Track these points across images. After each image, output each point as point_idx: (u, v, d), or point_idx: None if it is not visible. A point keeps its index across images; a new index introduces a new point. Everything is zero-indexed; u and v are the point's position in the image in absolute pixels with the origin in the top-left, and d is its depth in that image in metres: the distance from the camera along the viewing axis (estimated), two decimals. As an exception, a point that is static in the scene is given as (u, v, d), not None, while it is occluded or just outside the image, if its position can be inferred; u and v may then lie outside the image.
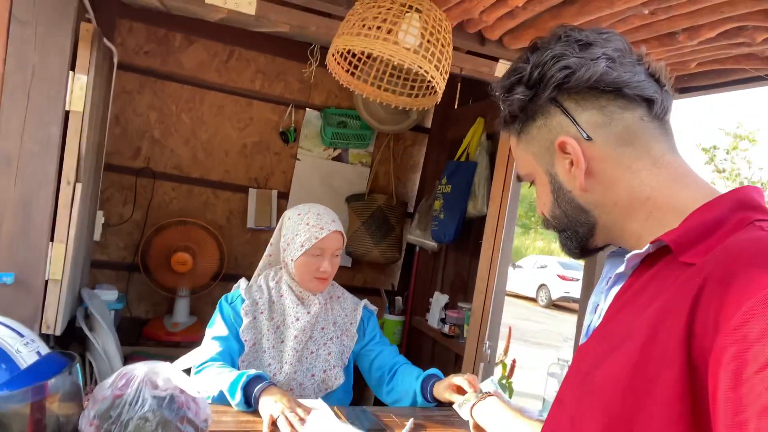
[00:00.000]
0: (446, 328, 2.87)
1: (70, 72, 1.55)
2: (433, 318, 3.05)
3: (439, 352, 3.04)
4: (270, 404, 1.35)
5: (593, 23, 1.47)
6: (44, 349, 1.17)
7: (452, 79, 3.32)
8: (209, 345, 1.59)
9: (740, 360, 0.48)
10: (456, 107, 3.34)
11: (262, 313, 1.64)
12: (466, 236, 2.90)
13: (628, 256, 0.66)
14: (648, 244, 0.64)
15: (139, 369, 1.22)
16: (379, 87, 1.59)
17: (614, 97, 0.68)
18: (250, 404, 1.41)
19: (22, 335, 1.15)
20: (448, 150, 3.21)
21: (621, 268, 0.68)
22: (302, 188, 3.26)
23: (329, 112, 3.20)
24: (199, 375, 1.53)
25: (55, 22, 1.37)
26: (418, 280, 3.36)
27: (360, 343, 1.75)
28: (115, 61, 2.44)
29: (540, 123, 0.73)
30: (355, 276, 3.45)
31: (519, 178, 0.82)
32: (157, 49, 2.93)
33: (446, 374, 1.59)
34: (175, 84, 2.98)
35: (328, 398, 1.61)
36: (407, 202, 3.49)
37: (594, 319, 0.74)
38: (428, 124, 3.47)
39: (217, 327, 1.63)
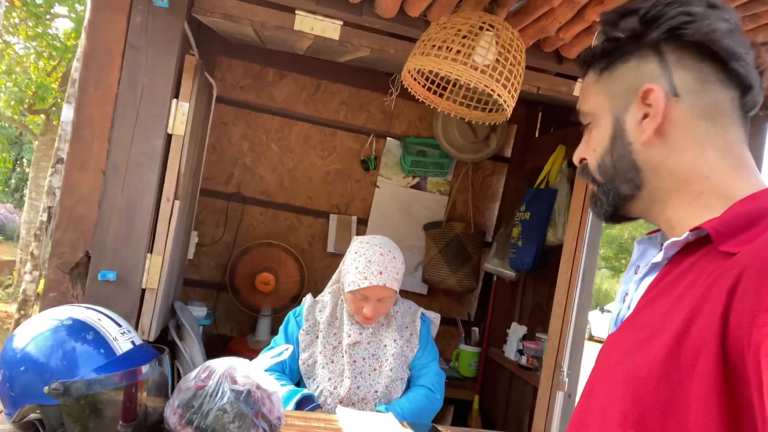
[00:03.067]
0: (524, 360, 2.79)
1: (175, 100, 1.73)
2: (510, 349, 2.97)
3: (516, 385, 2.95)
4: None
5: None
6: (138, 340, 1.28)
7: (534, 108, 3.33)
8: (279, 355, 1.67)
9: None
10: (537, 135, 3.32)
11: (321, 330, 1.71)
12: (546, 265, 2.83)
13: (666, 244, 0.64)
14: (687, 232, 0.62)
15: (221, 363, 1.29)
16: (454, 102, 1.63)
17: (718, 68, 0.65)
18: None
19: (119, 325, 1.26)
20: (528, 179, 3.18)
21: (658, 258, 0.65)
22: (381, 215, 3.34)
23: (409, 141, 3.28)
24: None
25: (163, 50, 1.55)
26: (496, 310, 3.29)
27: (419, 355, 1.76)
28: (214, 94, 2.67)
29: (632, 64, 0.69)
30: (431, 304, 3.44)
31: (576, 115, 0.76)
32: (252, 83, 3.16)
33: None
34: (267, 115, 3.19)
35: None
36: (485, 231, 3.46)
37: (623, 308, 0.71)
38: (508, 153, 3.46)
39: (280, 340, 1.74)
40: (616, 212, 0.72)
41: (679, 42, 0.65)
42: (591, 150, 0.73)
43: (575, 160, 0.76)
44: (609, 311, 14.26)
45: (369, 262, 1.62)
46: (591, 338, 13.40)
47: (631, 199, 0.70)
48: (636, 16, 0.67)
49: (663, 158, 0.67)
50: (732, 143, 0.66)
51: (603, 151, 0.71)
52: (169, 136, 1.81)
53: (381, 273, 1.60)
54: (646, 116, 0.66)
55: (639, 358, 0.58)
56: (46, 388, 1.09)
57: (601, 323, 13.30)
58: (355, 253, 1.67)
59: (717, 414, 0.51)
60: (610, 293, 20.72)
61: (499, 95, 1.37)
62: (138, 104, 1.52)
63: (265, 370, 1.63)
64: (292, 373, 1.72)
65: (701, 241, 0.61)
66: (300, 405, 1.52)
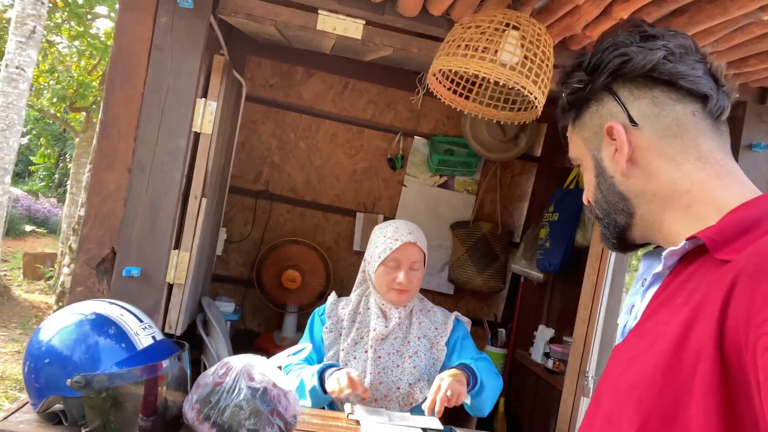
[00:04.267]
0: (550, 363, 2.74)
1: (203, 99, 1.76)
2: (537, 352, 2.93)
3: (542, 388, 2.90)
4: (331, 381, 1.49)
5: (706, 34, 1.38)
6: (159, 336, 1.30)
7: (564, 107, 3.25)
8: (296, 353, 1.68)
9: None
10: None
11: (344, 328, 1.71)
12: (574, 267, 2.77)
13: (664, 254, 0.66)
14: (684, 241, 0.64)
15: (238, 360, 1.31)
16: (480, 103, 1.61)
17: (668, 89, 0.70)
18: (323, 389, 1.53)
19: (141, 320, 1.29)
20: (557, 179, 3.12)
21: (659, 268, 0.68)
22: (407, 213, 3.32)
23: (437, 140, 3.26)
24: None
25: (187, 50, 1.58)
26: (523, 312, 3.25)
27: (452, 359, 1.73)
28: (244, 92, 2.70)
29: (593, 109, 0.76)
30: (458, 304, 3.41)
31: (572, 161, 0.84)
32: (281, 82, 3.19)
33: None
34: (295, 114, 3.22)
35: (414, 412, 1.61)
36: (513, 232, 3.41)
37: (630, 319, 0.74)
38: (537, 152, 3.40)
39: (306, 338, 1.75)
40: (623, 242, 0.78)
41: (626, 78, 0.72)
42: (588, 190, 0.80)
43: (584, 201, 0.83)
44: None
45: (396, 228, 1.69)
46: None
47: (629, 227, 0.75)
48: (581, 70, 0.75)
49: (643, 183, 0.72)
50: (706, 153, 0.69)
51: (594, 188, 0.78)
52: (196, 135, 1.84)
53: (410, 233, 1.67)
54: (616, 150, 0.72)
55: (641, 365, 0.60)
56: (69, 380, 1.13)
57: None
58: (379, 229, 1.73)
59: (718, 418, 0.52)
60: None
61: (529, 92, 1.34)
62: (163, 104, 1.55)
63: (292, 365, 1.65)
64: None
65: (699, 251, 0.64)
66: (322, 373, 1.54)
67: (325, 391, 1.52)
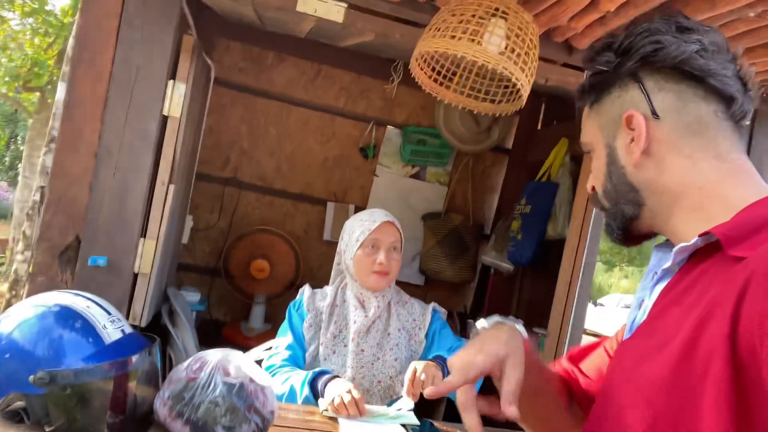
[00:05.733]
0: (519, 354, 2.76)
1: (171, 81, 1.67)
2: (507, 343, 2.95)
3: (511, 378, 2.93)
4: (330, 392, 1.43)
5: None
6: (128, 329, 1.24)
7: (537, 100, 3.28)
8: (279, 351, 1.63)
9: None
10: (540, 128, 3.27)
11: (322, 322, 1.67)
12: (544, 260, 2.79)
13: (675, 249, 0.65)
14: (696, 237, 0.63)
15: (214, 355, 1.25)
16: (461, 93, 1.58)
17: (695, 85, 0.68)
18: (316, 398, 1.47)
19: (109, 313, 1.22)
20: (529, 172, 3.14)
21: (668, 263, 0.67)
22: (379, 203, 3.29)
23: (409, 130, 3.23)
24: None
25: (159, 28, 1.49)
26: (492, 303, 3.27)
27: (431, 349, 1.72)
28: (212, 76, 2.61)
29: (615, 95, 0.73)
30: (427, 295, 3.41)
31: (580, 146, 0.82)
32: (251, 66, 3.10)
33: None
34: (265, 99, 3.13)
35: (391, 405, 1.59)
36: (484, 224, 3.43)
37: (639, 314, 0.73)
38: (509, 145, 3.42)
39: (284, 333, 1.69)
40: (628, 233, 0.76)
41: (654, 67, 0.70)
42: (594, 178, 0.79)
43: (588, 188, 0.81)
44: (602, 305, 14.30)
45: (371, 212, 1.70)
46: (584, 332, 13.46)
47: (636, 218, 0.74)
48: (610, 51, 0.73)
49: (656, 176, 0.70)
50: (725, 153, 0.68)
51: (603, 177, 0.76)
52: (165, 118, 1.76)
53: (387, 215, 1.69)
54: (632, 140, 0.71)
55: (652, 366, 0.60)
56: (32, 377, 1.05)
57: (594, 317, 13.34)
58: (353, 218, 1.74)
59: (730, 419, 0.51)
60: (604, 287, 20.77)
61: (516, 78, 1.32)
62: (132, 84, 1.47)
63: (274, 366, 1.60)
64: (298, 365, 1.67)
65: (711, 249, 0.62)
66: (313, 382, 1.49)
67: (316, 398, 1.48)
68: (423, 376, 1.44)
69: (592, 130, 0.78)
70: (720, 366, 0.52)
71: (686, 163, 0.68)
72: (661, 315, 0.65)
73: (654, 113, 0.69)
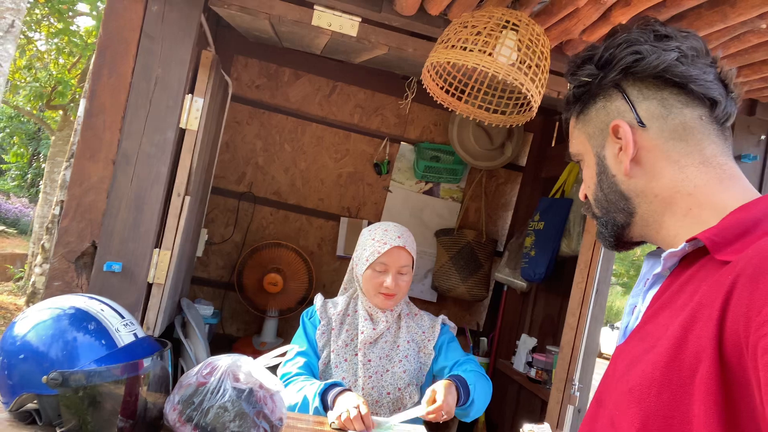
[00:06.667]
0: (533, 373, 2.73)
1: (189, 95, 1.71)
2: (519, 361, 2.92)
3: (524, 397, 2.89)
4: (339, 406, 1.41)
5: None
6: (141, 333, 1.25)
7: (550, 117, 3.28)
8: (293, 359, 1.63)
9: None
10: (553, 145, 3.27)
11: (333, 329, 1.67)
12: (558, 277, 2.77)
13: (664, 255, 0.66)
14: (684, 243, 0.64)
15: (224, 360, 1.26)
16: (472, 105, 1.59)
17: (677, 91, 0.69)
18: (326, 410, 1.46)
19: (122, 316, 1.23)
20: (542, 189, 3.13)
21: (658, 269, 0.68)
22: (392, 219, 3.29)
23: (423, 147, 3.25)
24: (285, 388, 1.57)
25: (178, 41, 1.53)
26: (505, 320, 3.24)
27: (438, 361, 1.70)
28: (230, 92, 2.66)
29: (600, 105, 0.74)
30: (440, 311, 3.39)
31: (569, 156, 0.83)
32: (268, 83, 3.15)
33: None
34: (281, 115, 3.18)
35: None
36: (497, 240, 3.41)
37: (631, 320, 0.73)
38: (523, 162, 3.42)
39: (299, 341, 1.69)
40: (619, 240, 0.77)
41: (636, 77, 0.71)
42: (586, 187, 0.79)
43: (581, 197, 0.82)
44: (619, 328, 14.07)
45: (386, 230, 1.65)
46: (600, 355, 13.23)
47: (628, 226, 0.74)
48: (591, 63, 0.74)
49: (645, 183, 0.71)
50: (710, 157, 0.69)
51: (594, 186, 0.77)
52: (182, 131, 1.79)
53: (399, 237, 1.63)
54: (621, 149, 0.72)
55: (642, 368, 0.60)
56: (45, 377, 1.07)
57: (611, 340, 13.12)
58: (369, 231, 1.69)
59: (718, 418, 0.52)
60: (621, 311, 20.43)
61: (527, 90, 1.33)
62: (151, 95, 1.51)
63: (289, 374, 1.60)
64: (313, 373, 1.67)
65: (700, 253, 0.64)
66: (324, 394, 1.48)
67: (326, 410, 1.47)
68: (445, 416, 1.42)
69: (580, 140, 0.79)
70: (708, 366, 0.53)
71: (674, 169, 0.69)
72: (652, 319, 0.66)
73: (640, 122, 0.70)
